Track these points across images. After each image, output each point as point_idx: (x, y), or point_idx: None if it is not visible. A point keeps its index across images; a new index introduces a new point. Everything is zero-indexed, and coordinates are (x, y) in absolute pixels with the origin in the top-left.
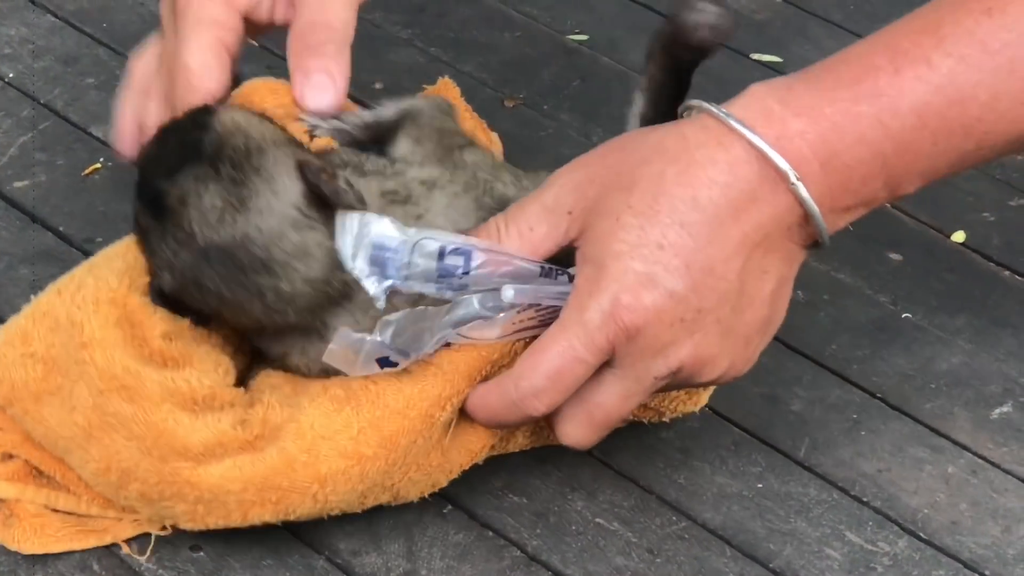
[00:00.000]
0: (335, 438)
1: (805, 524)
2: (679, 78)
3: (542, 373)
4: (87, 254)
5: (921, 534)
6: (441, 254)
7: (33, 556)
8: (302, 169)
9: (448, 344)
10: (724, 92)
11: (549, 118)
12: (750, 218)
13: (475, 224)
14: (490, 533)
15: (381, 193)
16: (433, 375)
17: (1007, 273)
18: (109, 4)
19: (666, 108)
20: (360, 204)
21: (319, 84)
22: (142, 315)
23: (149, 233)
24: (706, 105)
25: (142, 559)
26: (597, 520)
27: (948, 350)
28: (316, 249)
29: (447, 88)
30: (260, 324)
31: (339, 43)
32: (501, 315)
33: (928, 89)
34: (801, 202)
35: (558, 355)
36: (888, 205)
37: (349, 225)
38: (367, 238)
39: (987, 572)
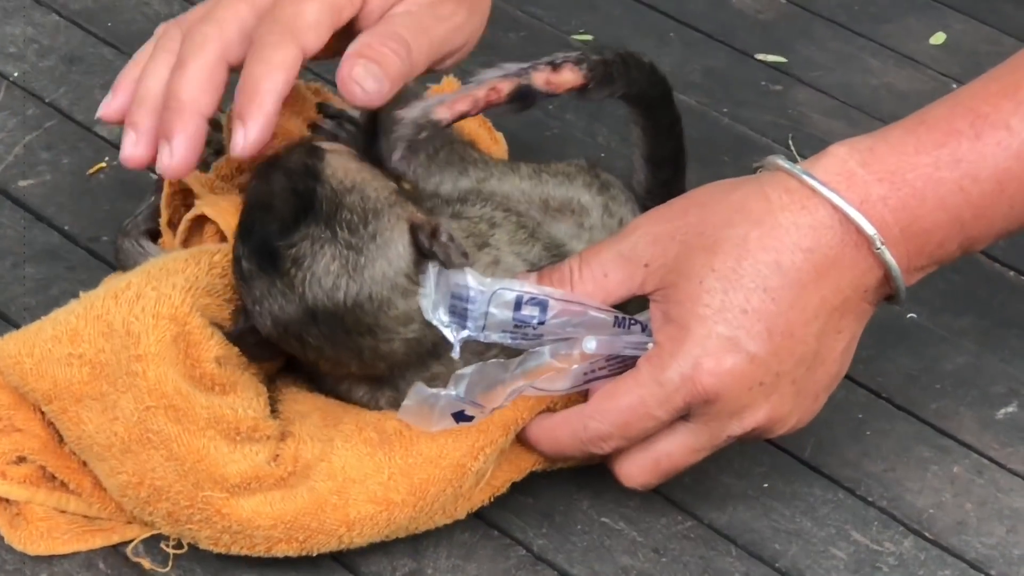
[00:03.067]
0: (365, 482)
1: (811, 524)
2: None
3: (611, 421)
4: (92, 253)
5: (927, 534)
6: (518, 304)
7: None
8: (414, 233)
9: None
10: (729, 93)
11: (554, 118)
12: (830, 282)
13: (536, 255)
14: (496, 532)
15: (465, 237)
16: (468, 427)
17: (1012, 274)
18: (114, 3)
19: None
20: (465, 259)
21: (370, 71)
22: (200, 336)
23: (253, 279)
24: (788, 165)
25: (147, 559)
26: (603, 519)
27: (954, 350)
28: (416, 313)
29: (451, 87)
30: (347, 373)
31: (402, 59)
32: (575, 367)
33: (1008, 155)
34: (882, 265)
35: (630, 408)
36: None
37: (430, 275)
38: (447, 288)
39: (993, 572)
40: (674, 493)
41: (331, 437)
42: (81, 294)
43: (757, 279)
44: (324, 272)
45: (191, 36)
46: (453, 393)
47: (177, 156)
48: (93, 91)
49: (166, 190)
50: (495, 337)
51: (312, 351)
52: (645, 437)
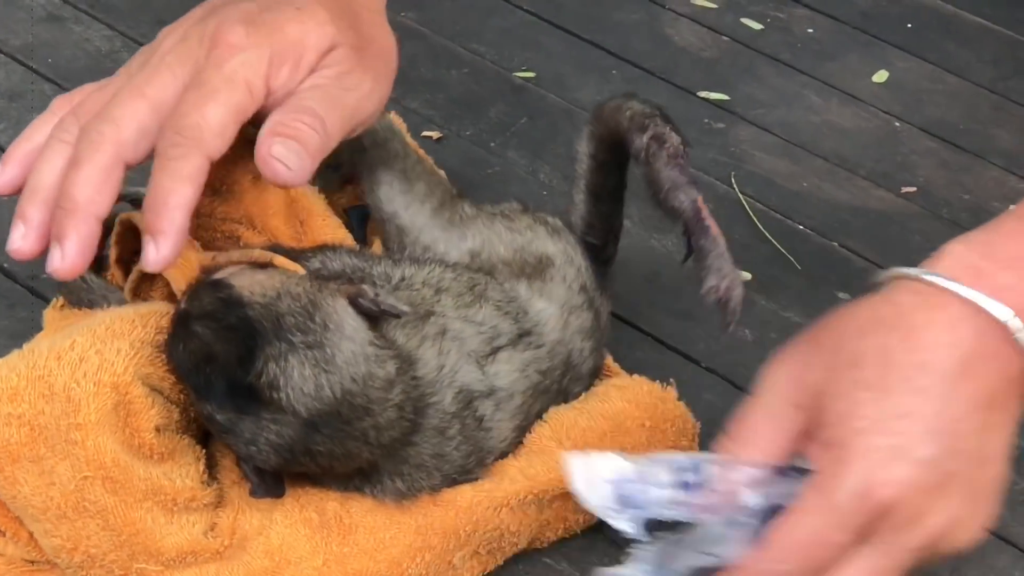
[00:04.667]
0: (300, 564)
1: None
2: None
3: (792, 560)
4: (32, 291)
5: None
6: (677, 473)
7: None
8: (354, 303)
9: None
10: None
11: (496, 156)
12: (978, 374)
13: (484, 315)
14: None
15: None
16: (407, 525)
17: None
18: (54, 39)
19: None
20: (405, 309)
21: (291, 149)
22: (140, 406)
23: (238, 425)
24: (908, 271)
25: None
26: (545, 559)
27: None
28: (396, 373)
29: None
30: (359, 467)
31: (318, 132)
32: (742, 531)
33: None
34: (1021, 352)
35: (808, 542)
36: (836, 244)
37: (576, 466)
38: (601, 477)
39: None
40: (617, 534)
41: (271, 508)
42: (25, 346)
43: (907, 383)
44: (302, 381)
45: (87, 134)
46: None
47: (68, 259)
48: None
49: (116, 228)
50: (657, 512)
51: (323, 458)
52: (828, 567)
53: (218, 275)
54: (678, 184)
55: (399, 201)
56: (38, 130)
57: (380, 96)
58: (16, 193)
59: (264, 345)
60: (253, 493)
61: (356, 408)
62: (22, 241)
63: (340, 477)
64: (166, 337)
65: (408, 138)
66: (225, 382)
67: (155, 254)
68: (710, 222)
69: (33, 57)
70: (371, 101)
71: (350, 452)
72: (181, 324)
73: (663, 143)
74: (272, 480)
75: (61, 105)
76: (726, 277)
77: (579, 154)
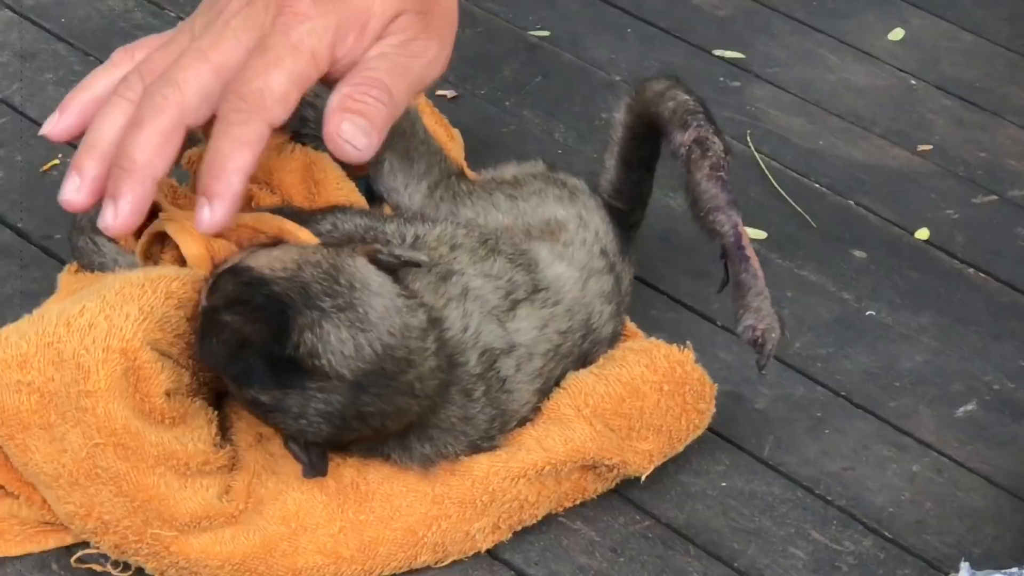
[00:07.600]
0: (316, 531)
1: (770, 523)
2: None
3: None
4: (45, 251)
5: (886, 533)
6: None
7: None
8: (374, 260)
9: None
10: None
11: (511, 115)
12: None
13: (499, 268)
14: None
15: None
16: (423, 494)
17: (971, 271)
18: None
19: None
20: (424, 258)
21: (359, 127)
22: (150, 371)
23: (284, 402)
24: None
25: (97, 563)
26: (560, 519)
27: (912, 348)
28: (428, 322)
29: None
30: (408, 425)
31: (386, 105)
32: None
33: None
34: None
35: None
36: (852, 203)
37: None
38: None
39: (953, 572)
40: (632, 492)
41: (288, 472)
42: (35, 311)
43: None
44: (341, 344)
45: (151, 96)
46: None
47: (121, 217)
48: (46, 87)
49: None
50: None
51: (375, 419)
52: None
53: (231, 263)
54: (720, 204)
55: (398, 179)
56: (97, 80)
57: (444, 60)
58: (70, 141)
59: (296, 316)
60: (306, 473)
61: (399, 361)
62: (76, 193)
63: (388, 439)
64: (196, 338)
65: (423, 98)
66: (264, 361)
67: (209, 217)
68: (750, 252)
69: (46, 17)
70: (436, 67)
71: (400, 408)
72: (208, 320)
73: (706, 150)
74: (318, 457)
75: (121, 58)
76: (765, 318)
77: (615, 122)
